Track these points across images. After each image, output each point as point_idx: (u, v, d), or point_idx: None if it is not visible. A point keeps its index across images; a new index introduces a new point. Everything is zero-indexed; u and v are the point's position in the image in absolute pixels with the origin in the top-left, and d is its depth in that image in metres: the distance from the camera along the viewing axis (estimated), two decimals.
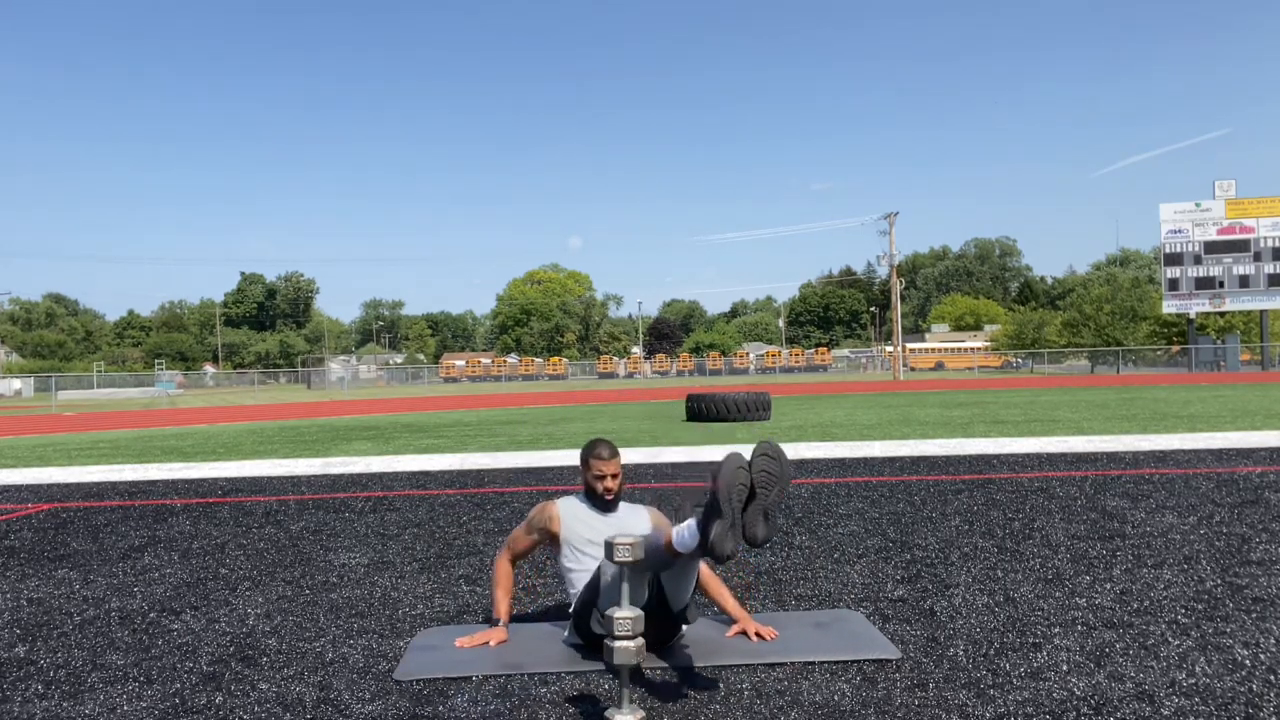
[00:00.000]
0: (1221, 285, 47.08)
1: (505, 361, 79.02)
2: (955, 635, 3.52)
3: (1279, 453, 9.12)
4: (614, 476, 3.60)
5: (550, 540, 3.68)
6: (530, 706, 2.91)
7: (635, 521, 3.66)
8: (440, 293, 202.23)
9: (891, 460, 9.35)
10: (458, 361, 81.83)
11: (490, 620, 3.71)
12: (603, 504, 3.64)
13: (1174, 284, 47.68)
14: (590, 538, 3.59)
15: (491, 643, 3.49)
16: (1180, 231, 47.26)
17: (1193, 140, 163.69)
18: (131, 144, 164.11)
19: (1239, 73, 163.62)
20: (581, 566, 3.57)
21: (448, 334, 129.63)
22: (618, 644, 2.76)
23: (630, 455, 10.36)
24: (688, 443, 11.92)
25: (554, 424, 16.77)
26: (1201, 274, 47.25)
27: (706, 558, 3.04)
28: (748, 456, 3.06)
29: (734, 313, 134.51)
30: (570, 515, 3.65)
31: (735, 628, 3.55)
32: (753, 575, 4.60)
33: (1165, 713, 2.73)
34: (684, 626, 3.48)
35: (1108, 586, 4.17)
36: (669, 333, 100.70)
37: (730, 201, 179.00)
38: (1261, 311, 47.58)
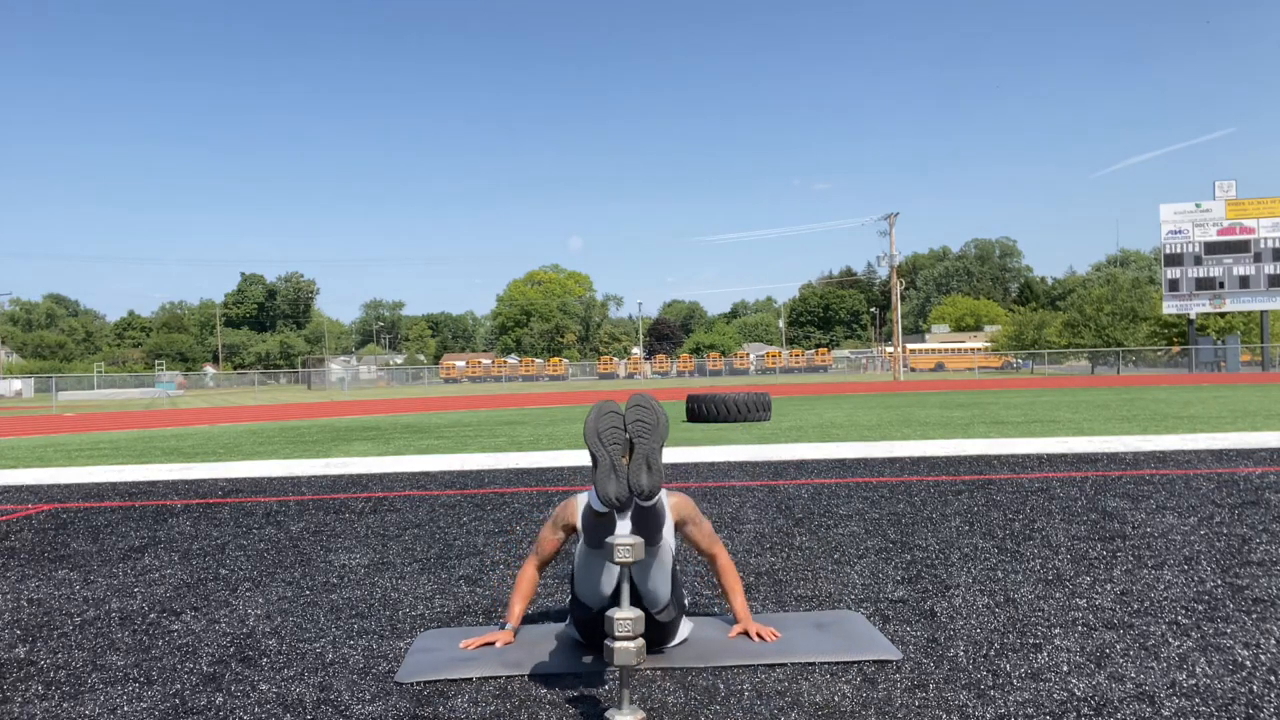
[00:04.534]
0: (1222, 286, 47.11)
1: (505, 362, 79.07)
2: (955, 636, 3.52)
3: (1279, 453, 9.12)
4: None
5: (573, 535, 3.64)
6: (530, 707, 2.91)
7: None
8: (440, 293, 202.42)
9: (891, 460, 9.35)
10: (458, 362, 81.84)
11: (498, 624, 3.69)
12: None
13: (1174, 284, 47.70)
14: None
15: (497, 644, 3.48)
16: (1180, 232, 47.29)
17: (1193, 140, 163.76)
18: (132, 144, 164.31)
19: (1240, 73, 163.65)
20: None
21: (448, 334, 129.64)
22: (618, 644, 2.76)
23: None
24: (688, 443, 11.92)
25: (554, 425, 16.77)
26: (1202, 274, 47.29)
27: (610, 509, 3.06)
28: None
29: (734, 313, 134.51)
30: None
31: (736, 628, 3.54)
32: (753, 575, 4.60)
33: (1166, 713, 2.73)
34: (681, 629, 3.44)
35: (1108, 587, 4.17)
36: (669, 333, 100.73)
37: (730, 201, 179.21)
38: (1262, 312, 47.58)
